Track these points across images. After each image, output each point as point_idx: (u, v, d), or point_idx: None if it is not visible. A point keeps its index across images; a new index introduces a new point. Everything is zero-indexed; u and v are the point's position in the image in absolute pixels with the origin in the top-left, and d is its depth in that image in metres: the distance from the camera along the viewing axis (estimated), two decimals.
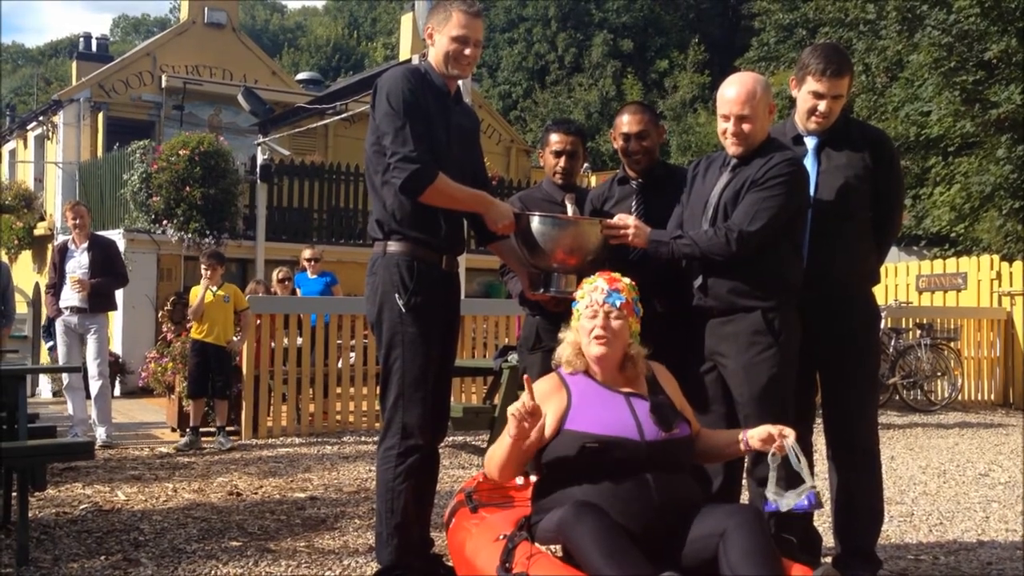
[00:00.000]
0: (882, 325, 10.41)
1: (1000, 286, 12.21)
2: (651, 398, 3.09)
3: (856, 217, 3.72)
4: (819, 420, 3.96)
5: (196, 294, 7.87)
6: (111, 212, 14.63)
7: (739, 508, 2.93)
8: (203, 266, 7.96)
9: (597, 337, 3.08)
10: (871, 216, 3.77)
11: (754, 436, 3.05)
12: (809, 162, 3.72)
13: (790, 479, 3.00)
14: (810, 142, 3.77)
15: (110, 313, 8.21)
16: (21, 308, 16.19)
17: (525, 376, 2.96)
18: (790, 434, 2.97)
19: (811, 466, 3.85)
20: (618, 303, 3.11)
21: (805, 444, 3.80)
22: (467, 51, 3.54)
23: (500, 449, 3.02)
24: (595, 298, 3.12)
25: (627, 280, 3.20)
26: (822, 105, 3.65)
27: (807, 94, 3.69)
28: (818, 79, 3.63)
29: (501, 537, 2.98)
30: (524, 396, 2.90)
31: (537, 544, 2.89)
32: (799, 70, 3.74)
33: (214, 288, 7.83)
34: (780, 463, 2.98)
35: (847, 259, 3.70)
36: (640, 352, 3.16)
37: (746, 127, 3.47)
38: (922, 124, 18.60)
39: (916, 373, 11.06)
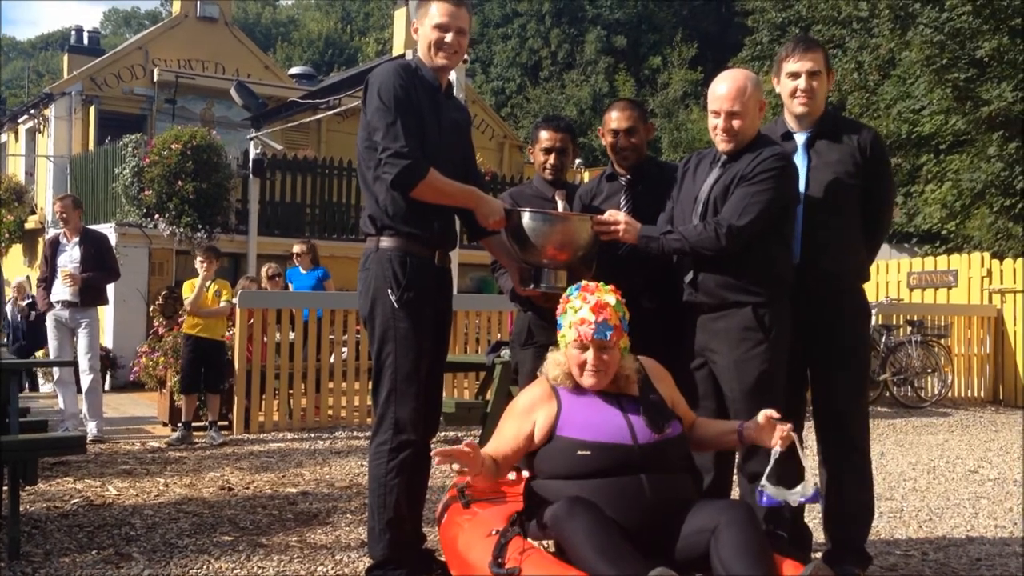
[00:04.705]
0: (873, 322, 10.46)
1: (991, 283, 12.27)
2: (642, 400, 3.08)
3: (846, 212, 3.74)
4: (808, 416, 3.97)
5: (191, 287, 7.85)
6: (102, 206, 14.58)
7: (731, 504, 2.94)
8: (199, 259, 7.94)
9: (590, 372, 3.04)
10: (861, 212, 3.79)
11: (750, 427, 3.06)
12: (799, 157, 3.74)
13: (790, 475, 3.01)
14: (800, 138, 3.79)
15: (100, 307, 8.18)
16: None
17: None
18: (787, 427, 2.98)
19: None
20: (608, 335, 3.02)
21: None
22: (448, 38, 3.55)
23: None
24: (583, 332, 3.01)
25: (611, 298, 3.08)
26: (801, 82, 3.72)
27: (786, 79, 3.77)
28: (789, 59, 3.75)
29: (494, 532, 2.99)
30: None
31: (530, 539, 2.90)
32: (775, 65, 3.87)
33: (208, 283, 7.82)
34: (781, 458, 2.99)
35: (837, 254, 3.72)
36: (632, 366, 3.12)
37: (736, 123, 3.49)
38: (914, 122, 18.63)
39: (907, 370, 11.11)
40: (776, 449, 2.99)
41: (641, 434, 2.97)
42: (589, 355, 3.02)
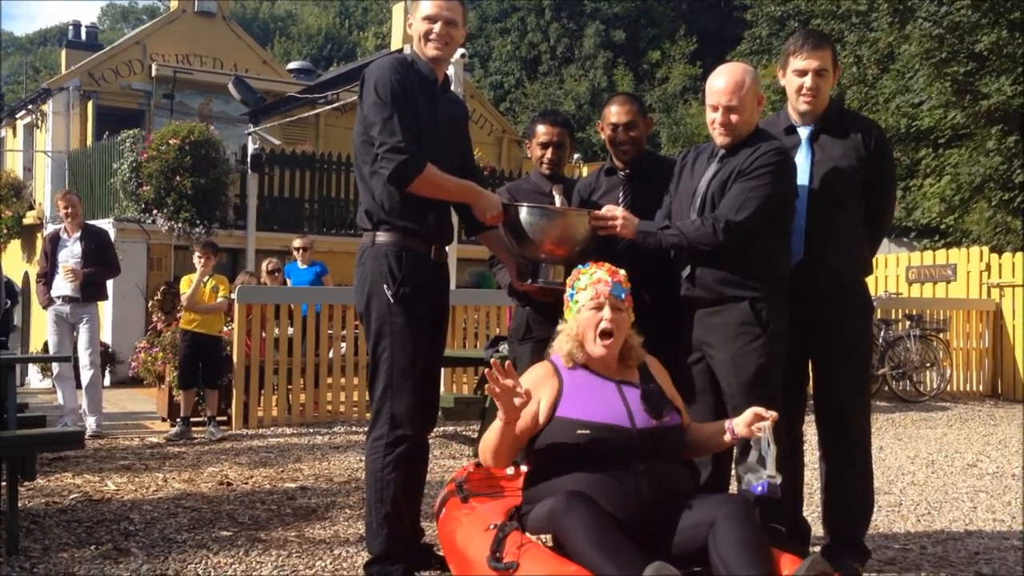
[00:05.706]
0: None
1: (989, 277, 12.27)
2: (642, 386, 3.10)
3: (849, 206, 3.74)
4: (810, 410, 3.97)
5: (188, 283, 7.85)
6: (101, 201, 14.57)
7: (728, 498, 2.94)
8: (197, 255, 7.93)
9: (603, 332, 3.06)
10: (864, 206, 3.79)
11: (739, 423, 3.05)
12: (802, 151, 3.74)
13: (761, 463, 3.01)
14: (803, 132, 3.78)
15: (100, 303, 8.19)
16: None
17: (494, 361, 2.92)
18: (770, 416, 2.97)
19: (801, 456, 3.89)
20: (623, 296, 3.12)
21: (795, 435, 3.82)
22: (436, 28, 3.56)
23: (493, 433, 3.01)
24: (600, 290, 3.10)
25: (621, 271, 3.20)
26: (808, 80, 3.70)
27: (792, 75, 3.75)
28: (797, 55, 3.72)
29: (492, 527, 2.99)
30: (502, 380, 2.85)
31: (528, 534, 2.90)
32: (781, 57, 3.84)
33: (205, 279, 7.81)
34: (758, 446, 3.00)
35: (840, 249, 3.71)
36: (638, 341, 3.17)
37: (734, 117, 3.48)
38: (913, 116, 18.63)
39: (905, 364, 11.11)
40: (755, 439, 2.99)
41: (639, 419, 2.99)
42: (605, 312, 3.07)
